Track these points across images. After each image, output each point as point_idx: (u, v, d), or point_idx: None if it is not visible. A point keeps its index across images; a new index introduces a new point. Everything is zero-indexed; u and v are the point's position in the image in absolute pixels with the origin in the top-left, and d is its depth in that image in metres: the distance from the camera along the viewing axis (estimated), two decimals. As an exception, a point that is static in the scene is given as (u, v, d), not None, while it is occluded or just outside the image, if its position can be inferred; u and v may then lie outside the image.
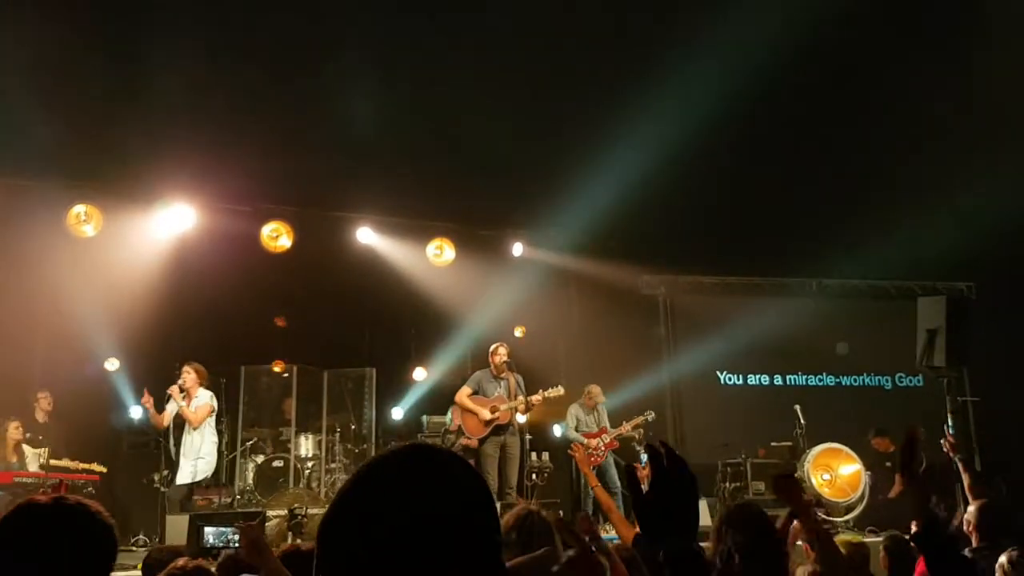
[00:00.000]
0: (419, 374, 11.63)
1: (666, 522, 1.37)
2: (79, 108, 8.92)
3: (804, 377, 12.93)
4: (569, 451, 6.38)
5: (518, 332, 11.64)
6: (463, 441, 9.36)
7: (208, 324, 10.40)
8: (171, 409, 8.90)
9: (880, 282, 13.06)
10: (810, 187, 11.38)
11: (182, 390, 8.87)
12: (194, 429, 8.88)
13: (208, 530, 2.93)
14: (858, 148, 11.15)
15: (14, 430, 8.50)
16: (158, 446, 9.50)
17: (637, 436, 9.96)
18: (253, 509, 8.51)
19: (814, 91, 10.29)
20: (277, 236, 10.44)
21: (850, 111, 10.62)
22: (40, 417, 8.96)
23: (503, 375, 9.27)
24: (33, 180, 9.50)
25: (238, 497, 9.79)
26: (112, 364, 9.99)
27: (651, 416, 10.09)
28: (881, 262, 11.90)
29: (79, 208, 9.69)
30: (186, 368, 8.99)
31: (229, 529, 2.86)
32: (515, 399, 9.13)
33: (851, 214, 11.35)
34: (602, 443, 9.82)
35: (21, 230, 9.25)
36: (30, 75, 8.25)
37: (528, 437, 9.43)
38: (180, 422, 8.97)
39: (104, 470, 8.77)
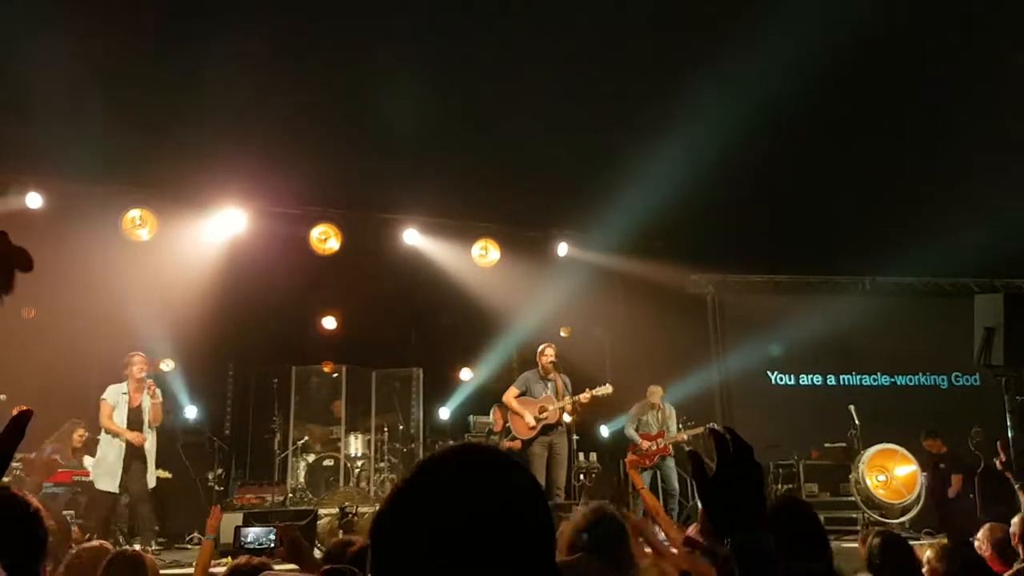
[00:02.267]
0: (465, 374, 11.68)
1: (732, 511, 1.34)
2: (133, 115, 9.14)
3: (858, 377, 12.69)
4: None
5: (563, 332, 11.62)
6: (507, 443, 9.37)
7: (259, 325, 10.58)
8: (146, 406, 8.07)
9: (935, 279, 12.77)
10: (862, 183, 11.19)
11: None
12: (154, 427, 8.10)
13: (248, 530, 2.97)
14: (911, 143, 10.92)
15: (78, 437, 8.72)
16: (212, 445, 9.69)
17: (687, 437, 9.85)
18: (305, 508, 8.62)
19: (867, 87, 10.11)
20: (326, 238, 10.56)
21: (905, 105, 10.41)
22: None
23: (551, 376, 9.25)
24: (89, 185, 9.74)
25: (290, 495, 9.94)
26: (167, 365, 10.20)
27: (712, 427, 9.87)
28: (936, 259, 11.63)
29: (134, 213, 9.91)
30: (140, 357, 8.17)
31: (268, 529, 2.90)
32: (563, 399, 9.11)
33: (904, 210, 11.12)
34: (655, 446, 9.72)
35: (78, 235, 9.49)
36: (87, 83, 8.47)
37: (575, 437, 9.40)
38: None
39: (168, 475, 8.86)
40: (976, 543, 5.06)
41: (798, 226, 11.67)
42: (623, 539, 2.71)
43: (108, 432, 7.91)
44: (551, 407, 9.07)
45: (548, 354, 9.24)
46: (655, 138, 9.83)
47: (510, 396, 9.30)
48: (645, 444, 9.74)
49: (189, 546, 8.55)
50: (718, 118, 9.23)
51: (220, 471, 9.37)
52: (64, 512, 7.53)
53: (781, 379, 12.61)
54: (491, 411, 10.13)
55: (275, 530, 3.18)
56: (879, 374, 12.75)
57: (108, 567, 3.06)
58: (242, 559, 2.96)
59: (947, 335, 11.41)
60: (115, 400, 7.98)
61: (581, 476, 9.36)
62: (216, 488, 9.24)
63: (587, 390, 9.12)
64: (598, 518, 2.85)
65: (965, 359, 8.06)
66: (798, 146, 10.75)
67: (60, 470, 8.34)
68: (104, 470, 7.80)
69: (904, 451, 9.11)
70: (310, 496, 10.12)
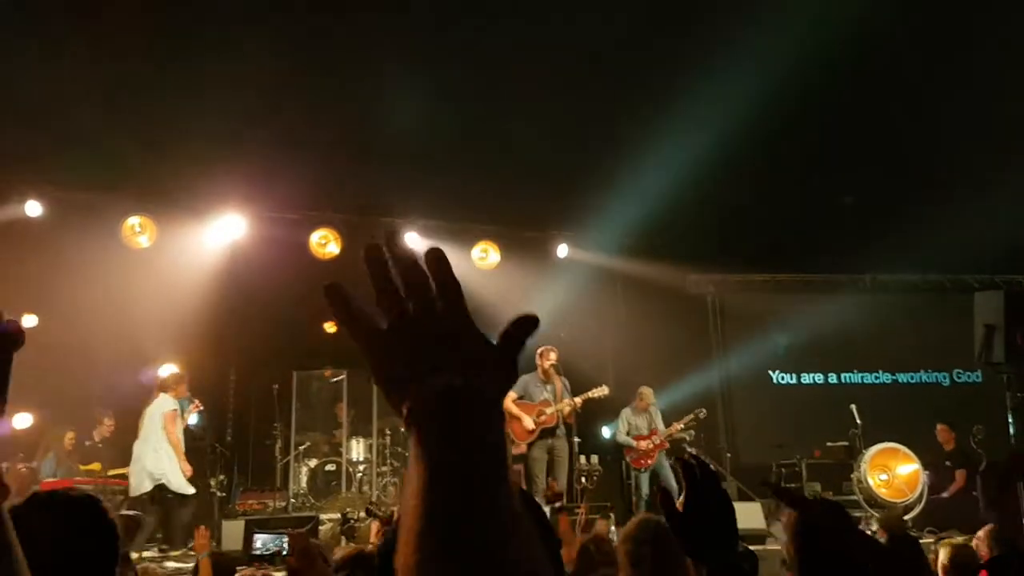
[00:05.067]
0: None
1: (704, 537, 1.35)
2: (132, 122, 9.14)
3: (860, 375, 12.69)
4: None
5: (563, 334, 11.60)
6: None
7: (260, 331, 10.58)
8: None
9: (936, 276, 12.76)
10: (861, 181, 11.17)
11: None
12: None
13: (258, 536, 2.97)
14: (909, 140, 10.90)
15: (68, 441, 8.72)
16: (214, 451, 9.69)
17: (688, 437, 9.86)
18: (307, 513, 8.62)
19: (865, 85, 10.09)
20: (326, 243, 10.58)
21: (902, 102, 10.40)
22: (96, 436, 9.12)
23: (551, 379, 9.23)
24: (88, 193, 9.75)
25: (292, 501, 9.94)
26: (169, 371, 10.19)
27: (702, 413, 9.95)
28: (936, 256, 11.61)
29: (134, 220, 9.93)
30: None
31: (279, 536, 2.90)
32: (561, 402, 9.09)
33: (904, 207, 11.09)
34: (652, 444, 9.74)
35: (78, 242, 9.50)
36: (86, 91, 8.48)
37: (576, 440, 9.38)
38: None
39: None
40: (975, 542, 5.07)
41: (798, 225, 11.65)
42: (681, 552, 2.70)
43: (171, 446, 8.15)
44: (548, 410, 9.06)
45: (550, 358, 9.20)
46: (654, 138, 9.82)
47: (508, 400, 9.27)
48: (643, 444, 9.73)
49: (192, 552, 8.54)
50: (717, 118, 9.21)
51: (222, 477, 9.38)
52: None
53: (783, 378, 12.61)
54: None
55: (286, 537, 3.18)
56: (880, 372, 12.75)
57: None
58: (247, 571, 2.95)
59: (948, 332, 11.40)
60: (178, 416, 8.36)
61: (583, 479, 9.34)
62: (218, 494, 9.23)
63: (585, 394, 9.13)
64: (656, 529, 2.80)
65: (967, 356, 8.06)
66: (796, 144, 10.74)
67: (59, 478, 8.26)
68: (184, 477, 8.15)
69: (906, 450, 9.10)
70: (312, 501, 10.13)
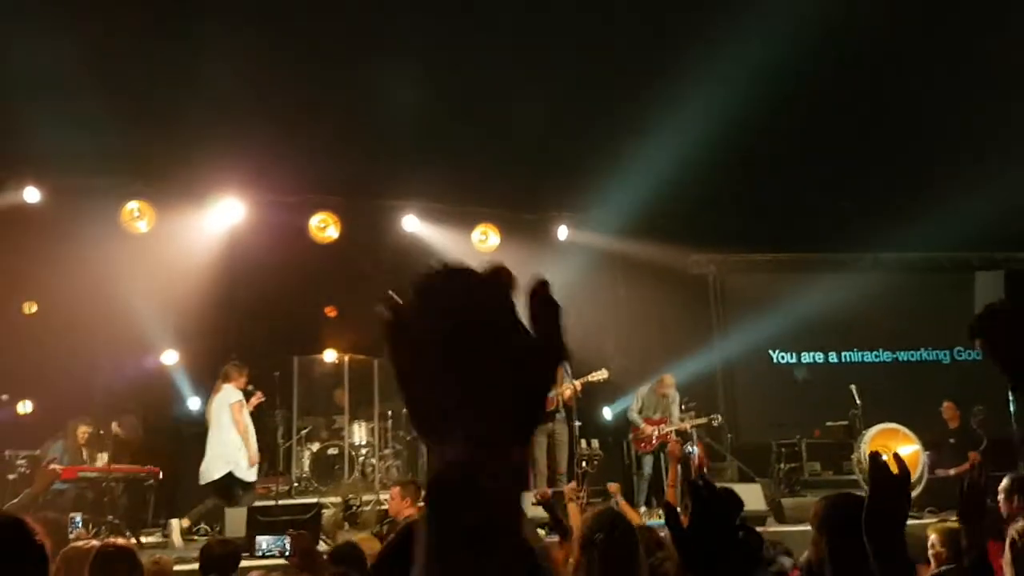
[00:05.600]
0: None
1: (711, 562, 1.35)
2: (130, 107, 9.09)
3: (860, 354, 12.70)
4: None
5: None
6: None
7: (260, 316, 10.58)
8: None
9: (936, 254, 12.74)
10: (862, 159, 11.12)
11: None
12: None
13: (261, 539, 2.98)
14: (911, 117, 10.84)
15: (81, 434, 8.74)
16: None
17: (690, 427, 9.84)
18: (310, 499, 8.66)
19: (865, 62, 10.02)
20: (325, 227, 10.55)
21: (903, 79, 10.32)
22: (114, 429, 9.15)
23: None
24: (86, 178, 9.71)
25: (295, 485, 9.99)
26: (170, 357, 10.22)
27: (717, 420, 9.84)
28: (937, 234, 11.56)
29: (132, 205, 9.90)
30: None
31: (280, 538, 2.90)
32: (561, 385, 9.12)
33: (905, 185, 11.06)
34: (657, 432, 9.74)
35: (77, 228, 9.48)
36: (82, 75, 8.42)
37: (577, 423, 9.41)
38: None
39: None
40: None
41: (799, 204, 11.61)
42: (635, 547, 2.72)
43: (240, 435, 8.43)
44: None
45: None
46: (654, 118, 9.76)
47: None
48: (649, 429, 9.76)
49: (196, 538, 8.59)
50: (717, 96, 9.15)
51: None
52: (72, 513, 7.54)
53: (783, 357, 12.62)
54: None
55: (288, 539, 3.19)
56: (881, 350, 12.75)
57: (96, 562, 3.03)
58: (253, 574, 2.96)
59: (949, 309, 11.43)
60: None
61: (583, 463, 9.37)
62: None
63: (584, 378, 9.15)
64: (612, 521, 2.84)
65: (967, 333, 8.05)
66: (798, 123, 10.67)
67: (66, 467, 8.29)
68: (249, 465, 8.50)
69: (906, 431, 9.13)
70: (315, 485, 10.19)
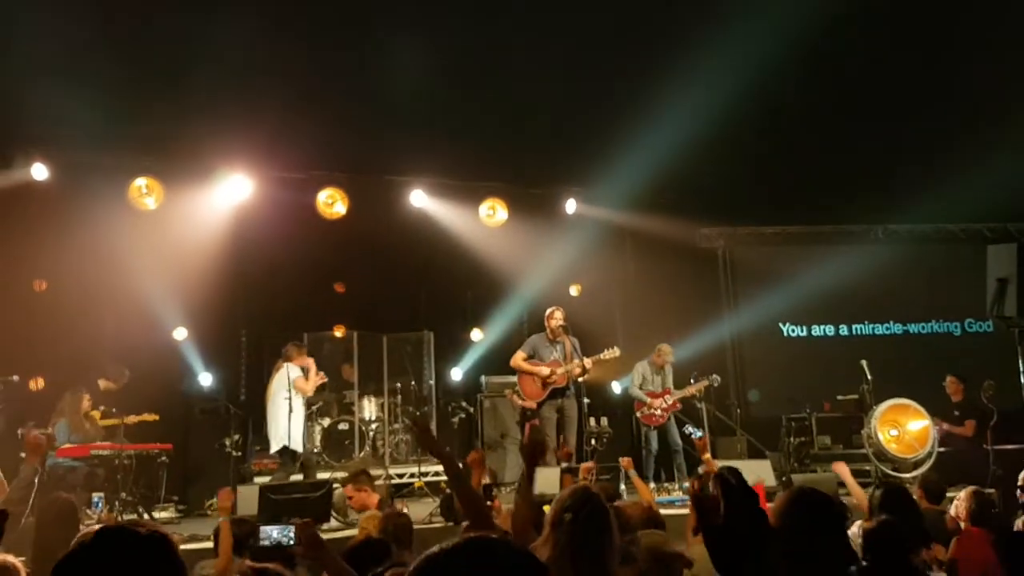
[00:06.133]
0: (476, 335, 11.69)
1: (740, 559, 1.32)
2: (137, 83, 9.04)
3: (871, 326, 12.65)
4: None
5: (573, 290, 11.59)
6: (517, 401, 9.45)
7: (269, 292, 10.61)
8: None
9: (948, 226, 12.64)
10: (873, 130, 11.00)
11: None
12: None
13: (265, 529, 2.99)
14: (922, 88, 10.70)
15: (87, 402, 8.76)
16: (228, 412, 9.78)
17: (698, 394, 9.88)
18: (321, 476, 8.72)
19: (877, 31, 9.88)
20: (332, 203, 10.51)
21: (915, 51, 10.18)
22: (102, 386, 9.17)
23: (559, 339, 9.26)
24: (94, 155, 9.69)
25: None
26: (180, 333, 10.25)
27: (717, 381, 9.94)
28: (948, 205, 11.47)
29: (140, 181, 9.87)
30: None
31: (286, 527, 2.91)
32: (571, 362, 9.12)
33: (916, 156, 10.95)
34: (665, 403, 9.76)
35: (85, 205, 9.47)
36: (89, 52, 8.36)
37: (587, 401, 9.43)
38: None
39: (156, 417, 8.97)
40: (956, 502, 5.09)
41: (809, 176, 11.51)
42: (606, 527, 2.68)
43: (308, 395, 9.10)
44: (559, 370, 9.10)
45: (556, 317, 9.23)
46: (663, 91, 9.66)
47: (518, 359, 9.32)
48: (656, 402, 9.76)
49: (209, 512, 8.68)
50: (727, 69, 9.04)
51: (237, 437, 9.45)
52: (92, 493, 7.58)
53: (793, 331, 12.57)
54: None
55: (293, 528, 3.18)
56: (891, 322, 12.70)
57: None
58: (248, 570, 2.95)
59: (960, 282, 11.35)
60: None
61: (592, 440, 9.40)
62: (234, 454, 9.32)
63: (596, 355, 9.14)
64: (583, 499, 2.79)
65: (978, 306, 7.99)
66: (808, 95, 10.56)
67: (74, 444, 8.30)
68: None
69: (916, 405, 9.09)
70: (327, 460, 10.26)
